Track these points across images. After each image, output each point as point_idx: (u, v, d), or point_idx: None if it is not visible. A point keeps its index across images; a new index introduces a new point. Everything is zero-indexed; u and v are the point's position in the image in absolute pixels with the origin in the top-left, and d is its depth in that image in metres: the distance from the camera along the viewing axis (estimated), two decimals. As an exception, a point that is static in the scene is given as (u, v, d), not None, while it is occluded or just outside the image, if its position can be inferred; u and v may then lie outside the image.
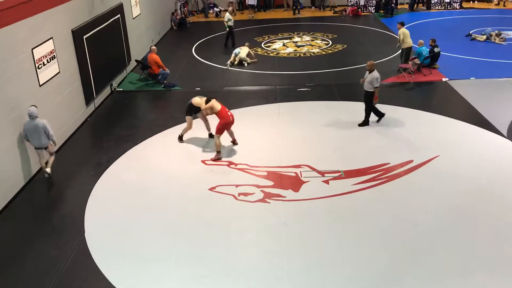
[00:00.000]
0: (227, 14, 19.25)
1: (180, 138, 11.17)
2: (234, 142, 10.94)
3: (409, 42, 15.25)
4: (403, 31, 15.21)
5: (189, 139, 11.30)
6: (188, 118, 10.94)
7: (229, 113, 10.37)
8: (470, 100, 13.02)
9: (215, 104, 10.30)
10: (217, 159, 10.30)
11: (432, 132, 11.23)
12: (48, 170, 9.74)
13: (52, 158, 9.89)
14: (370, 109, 11.57)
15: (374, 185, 9.14)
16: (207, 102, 10.35)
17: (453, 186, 9.00)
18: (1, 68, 9.04)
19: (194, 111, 10.84)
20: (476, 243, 7.45)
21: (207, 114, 10.57)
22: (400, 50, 15.65)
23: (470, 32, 19.73)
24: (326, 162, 10.02)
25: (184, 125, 11.21)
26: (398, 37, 15.50)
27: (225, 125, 10.35)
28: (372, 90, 11.23)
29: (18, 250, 7.76)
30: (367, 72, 11.31)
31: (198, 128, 11.27)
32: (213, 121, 10.80)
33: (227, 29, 19.29)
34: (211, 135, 11.25)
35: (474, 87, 14.10)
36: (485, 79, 14.66)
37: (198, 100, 10.66)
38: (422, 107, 12.62)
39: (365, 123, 11.67)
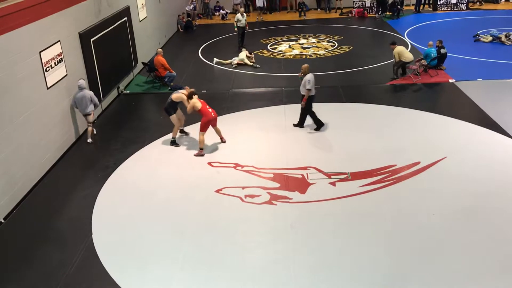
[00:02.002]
0: (238, 15, 19.31)
1: (174, 142, 11.20)
2: (222, 140, 11.12)
3: (407, 57, 14.84)
4: (398, 50, 14.83)
5: (195, 142, 11.31)
6: (172, 117, 11.11)
7: (210, 110, 10.64)
8: (477, 101, 12.96)
9: (196, 102, 10.59)
10: (199, 155, 10.57)
11: (439, 133, 11.19)
12: (89, 140, 11.59)
13: (90, 129, 11.62)
14: (306, 112, 11.57)
15: (380, 187, 9.12)
16: (189, 96, 10.65)
17: (460, 188, 8.95)
18: (9, 71, 9.11)
19: (174, 109, 11.04)
20: (484, 246, 7.41)
21: (188, 111, 10.78)
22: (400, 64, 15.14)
23: (478, 32, 19.62)
24: (333, 164, 10.01)
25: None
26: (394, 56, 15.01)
27: (208, 122, 10.60)
28: (304, 93, 11.30)
29: (25, 252, 7.80)
30: (303, 75, 11.35)
31: (207, 133, 11.26)
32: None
33: (235, 29, 19.37)
34: (182, 131, 11.67)
35: (481, 88, 14.03)
36: (492, 80, 14.58)
37: (178, 95, 10.89)
38: (428, 109, 12.57)
39: (300, 124, 11.77)
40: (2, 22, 8.89)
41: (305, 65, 11.45)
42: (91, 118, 11.52)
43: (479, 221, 8.01)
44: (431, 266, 7.02)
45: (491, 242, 7.47)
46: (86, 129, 11.74)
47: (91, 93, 11.53)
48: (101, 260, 7.47)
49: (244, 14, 19.48)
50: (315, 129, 11.67)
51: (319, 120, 11.61)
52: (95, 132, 11.89)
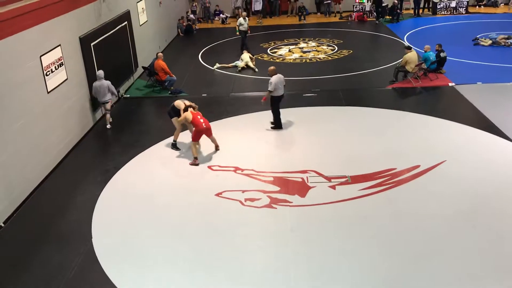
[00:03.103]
0: (240, 19, 19.36)
1: (174, 146, 11.20)
2: (216, 148, 10.98)
3: (411, 68, 14.87)
4: (408, 57, 14.87)
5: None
6: (174, 120, 11.13)
7: (201, 120, 10.47)
8: (477, 104, 12.97)
9: (188, 114, 10.51)
10: (193, 164, 10.43)
11: (439, 137, 11.20)
12: (108, 126, 12.66)
13: (108, 116, 12.72)
14: (275, 111, 12.02)
15: (381, 190, 9.12)
16: (185, 109, 10.62)
17: (461, 191, 8.95)
18: (10, 75, 9.13)
19: (176, 114, 11.03)
20: (484, 248, 7.41)
21: (183, 123, 10.82)
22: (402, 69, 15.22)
23: (477, 36, 19.65)
24: (333, 167, 10.01)
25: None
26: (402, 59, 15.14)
27: (198, 132, 10.47)
28: (273, 94, 11.74)
29: (25, 256, 7.80)
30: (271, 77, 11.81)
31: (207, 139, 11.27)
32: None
33: (237, 33, 19.42)
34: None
35: (481, 91, 14.04)
36: (492, 83, 14.60)
37: (179, 102, 10.98)
38: (428, 112, 12.58)
39: (278, 126, 12.12)
40: (2, 27, 8.92)
41: (271, 68, 11.98)
42: (108, 106, 12.61)
43: (480, 223, 8.01)
44: (432, 269, 7.01)
45: (491, 244, 7.47)
46: (104, 116, 12.91)
47: (109, 83, 12.46)
48: (101, 264, 7.46)
49: (246, 18, 19.52)
50: (272, 127, 12.14)
51: (280, 121, 12.11)
52: (111, 120, 12.73)
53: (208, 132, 10.66)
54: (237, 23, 19.45)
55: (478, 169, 9.66)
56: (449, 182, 9.26)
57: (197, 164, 10.44)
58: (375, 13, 24.93)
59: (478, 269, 6.98)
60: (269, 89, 11.65)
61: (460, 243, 7.56)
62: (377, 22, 24.03)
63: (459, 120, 11.97)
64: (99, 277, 7.21)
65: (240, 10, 26.29)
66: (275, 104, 11.88)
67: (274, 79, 11.69)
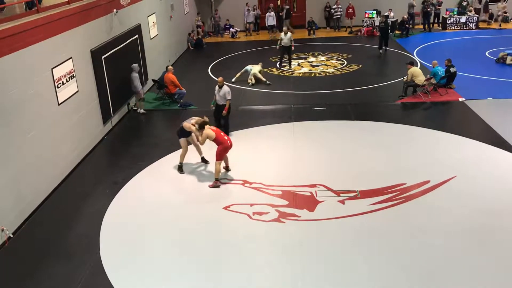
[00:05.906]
0: (281, 34, 19.13)
1: (180, 168, 10.77)
2: (226, 169, 10.63)
3: (420, 80, 14.84)
4: (412, 71, 14.95)
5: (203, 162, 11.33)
6: (181, 140, 10.71)
7: (226, 137, 10.08)
8: (487, 120, 12.88)
9: (209, 132, 9.92)
10: (214, 186, 10.02)
11: (449, 152, 11.11)
12: (142, 110, 14.73)
13: (142, 103, 14.81)
14: (226, 120, 12.46)
15: (390, 206, 9.04)
16: (201, 126, 9.92)
17: (471, 207, 8.85)
18: (22, 87, 9.22)
19: (185, 134, 10.65)
20: (494, 266, 7.29)
21: (201, 142, 10.13)
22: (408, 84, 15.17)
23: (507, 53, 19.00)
24: (342, 182, 9.96)
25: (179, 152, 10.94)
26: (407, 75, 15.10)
27: (224, 150, 9.99)
28: (224, 103, 12.24)
29: (33, 267, 7.80)
30: (217, 87, 12.26)
31: (211, 148, 11.28)
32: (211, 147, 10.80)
33: (277, 47, 19.34)
34: (203, 160, 11.07)
35: (491, 107, 13.96)
36: (503, 99, 14.51)
37: (187, 124, 10.38)
38: (438, 127, 12.51)
39: (225, 131, 12.37)
40: (15, 40, 9.04)
41: (220, 78, 12.44)
42: (139, 95, 14.45)
43: (491, 240, 7.89)
44: (441, 286, 6.90)
45: (502, 262, 7.35)
46: (138, 103, 14.80)
47: (137, 76, 14.34)
48: (108, 277, 7.44)
49: (289, 33, 19.19)
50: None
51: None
52: (144, 110, 14.75)
53: (229, 149, 10.23)
54: (279, 38, 19.24)
55: (489, 185, 9.56)
56: (459, 198, 9.16)
57: (218, 186, 10.00)
58: (378, 43, 21.81)
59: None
60: (228, 98, 12.13)
61: (470, 260, 7.45)
62: (380, 51, 21.41)
63: (469, 136, 11.89)
64: (106, 289, 7.19)
65: (250, 25, 26.61)
66: (229, 112, 12.35)
67: (228, 88, 12.19)
